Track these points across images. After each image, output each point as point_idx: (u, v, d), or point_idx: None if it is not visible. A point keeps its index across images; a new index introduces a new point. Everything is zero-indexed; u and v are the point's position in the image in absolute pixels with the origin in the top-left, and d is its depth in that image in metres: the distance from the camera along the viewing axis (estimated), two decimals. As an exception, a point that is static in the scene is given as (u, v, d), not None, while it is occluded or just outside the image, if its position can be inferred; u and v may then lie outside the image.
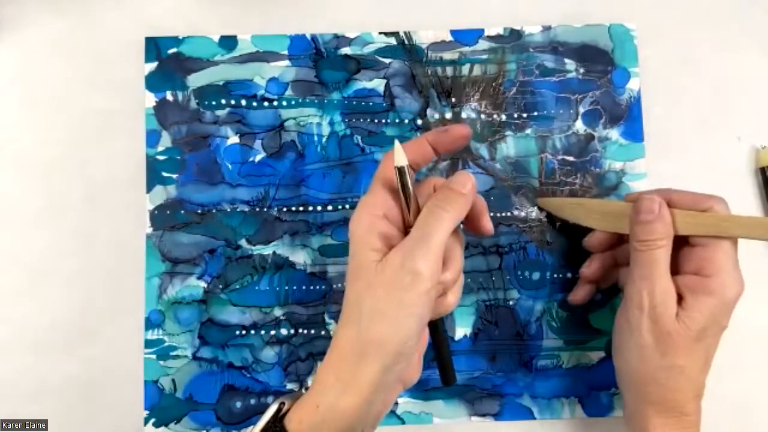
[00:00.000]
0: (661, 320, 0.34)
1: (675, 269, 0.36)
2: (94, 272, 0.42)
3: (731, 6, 0.45)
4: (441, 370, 0.37)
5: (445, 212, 0.31)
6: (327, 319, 0.42)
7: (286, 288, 0.42)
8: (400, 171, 0.31)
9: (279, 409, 0.32)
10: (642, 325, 0.35)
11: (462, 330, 0.42)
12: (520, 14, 0.45)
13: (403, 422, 0.41)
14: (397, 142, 0.32)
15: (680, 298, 0.35)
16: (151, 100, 0.43)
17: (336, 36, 0.44)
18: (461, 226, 0.35)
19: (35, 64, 0.44)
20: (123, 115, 0.43)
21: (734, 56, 0.45)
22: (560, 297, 0.42)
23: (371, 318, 0.30)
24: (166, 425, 0.41)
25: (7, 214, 0.43)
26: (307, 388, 0.33)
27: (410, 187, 0.32)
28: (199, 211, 0.43)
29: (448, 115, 0.44)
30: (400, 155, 0.31)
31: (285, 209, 0.43)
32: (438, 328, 0.36)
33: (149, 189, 0.42)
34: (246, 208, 0.43)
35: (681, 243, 0.36)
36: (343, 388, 0.30)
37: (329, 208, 0.43)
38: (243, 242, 0.42)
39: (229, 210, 0.43)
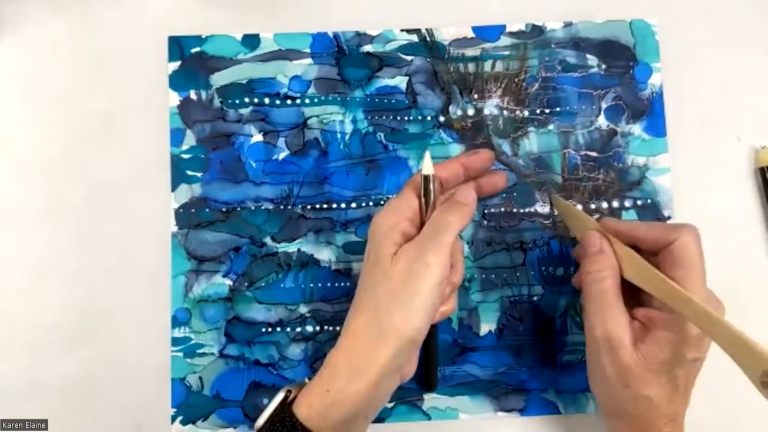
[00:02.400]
0: (617, 353, 0.34)
1: (640, 301, 0.36)
2: (120, 271, 0.42)
3: (731, 6, 0.45)
4: (426, 375, 0.40)
5: (452, 217, 0.34)
6: (352, 316, 0.42)
7: (311, 285, 0.42)
8: (426, 179, 0.35)
9: (286, 397, 0.33)
10: (601, 357, 0.34)
11: (487, 326, 0.42)
12: (542, 10, 0.45)
13: (430, 418, 0.41)
14: (427, 153, 0.35)
15: (645, 331, 0.34)
16: (174, 99, 0.43)
17: (358, 33, 0.44)
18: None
19: (35, 64, 0.44)
20: (124, 115, 0.44)
21: (734, 56, 0.45)
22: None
23: (388, 305, 0.32)
24: (194, 423, 0.41)
25: (7, 214, 0.43)
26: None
27: (432, 195, 0.35)
28: (224, 209, 0.43)
29: (471, 112, 0.44)
30: (428, 164, 0.35)
31: (309, 207, 0.43)
32: (431, 333, 0.38)
33: (174, 188, 0.43)
34: (270, 206, 0.43)
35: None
36: (354, 373, 0.32)
37: (353, 205, 0.43)
38: (268, 240, 0.42)
39: (253, 208, 0.43)
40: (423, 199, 0.35)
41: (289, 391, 0.33)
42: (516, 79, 0.44)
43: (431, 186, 0.35)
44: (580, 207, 0.43)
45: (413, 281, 0.32)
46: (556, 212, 0.43)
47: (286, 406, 0.32)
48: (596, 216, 0.43)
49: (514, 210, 0.43)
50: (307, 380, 0.34)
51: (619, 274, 0.35)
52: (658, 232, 0.35)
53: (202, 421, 0.41)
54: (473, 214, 0.36)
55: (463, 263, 0.38)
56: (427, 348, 0.39)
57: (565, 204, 0.41)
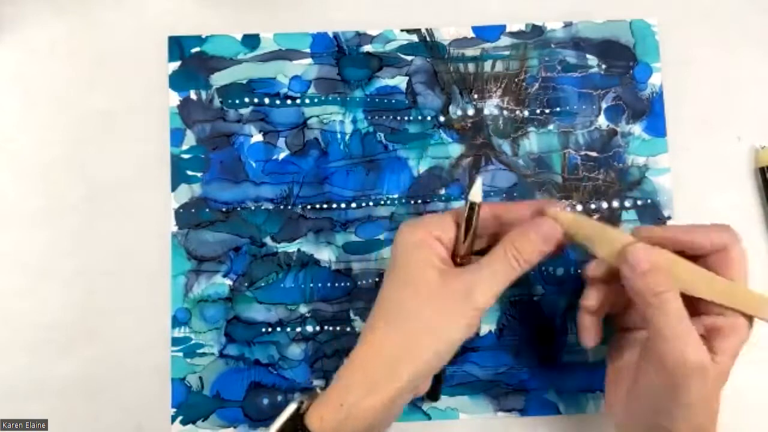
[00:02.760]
0: (705, 379, 0.30)
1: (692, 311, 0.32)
2: (120, 271, 0.42)
3: (731, 6, 0.45)
4: (434, 386, 0.39)
5: (519, 265, 0.32)
6: (352, 316, 0.42)
7: (311, 285, 0.42)
8: (471, 206, 0.34)
9: (298, 408, 0.32)
10: (681, 389, 0.30)
11: (487, 326, 0.42)
12: (542, 10, 0.45)
13: (430, 418, 0.41)
14: (479, 179, 0.34)
15: (708, 343, 0.31)
16: (174, 99, 0.43)
17: (358, 33, 0.44)
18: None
19: (35, 64, 0.44)
20: (124, 115, 0.44)
21: (734, 56, 0.45)
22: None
23: (421, 328, 0.31)
24: (194, 423, 0.41)
25: (7, 214, 0.43)
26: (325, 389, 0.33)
27: (474, 224, 0.34)
28: (224, 209, 0.43)
29: (471, 112, 0.44)
30: (477, 191, 0.34)
31: (309, 207, 0.43)
32: None
33: (174, 188, 0.43)
34: (270, 206, 0.43)
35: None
36: (372, 387, 0.31)
37: (353, 205, 0.43)
38: (268, 240, 0.42)
39: (253, 208, 0.43)
40: (463, 227, 0.34)
41: (302, 402, 0.32)
42: (516, 79, 0.44)
43: (474, 215, 0.34)
44: (580, 207, 0.43)
45: (453, 314, 0.31)
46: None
47: (298, 417, 0.32)
48: (596, 216, 0.43)
49: (514, 210, 0.43)
50: (318, 390, 0.33)
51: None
52: (708, 236, 0.32)
53: (202, 421, 0.41)
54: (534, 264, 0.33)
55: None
56: None
57: (579, 220, 0.34)
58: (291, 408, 0.32)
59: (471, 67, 0.44)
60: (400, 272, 0.33)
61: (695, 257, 0.32)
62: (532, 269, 0.34)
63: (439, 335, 0.31)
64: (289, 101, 0.44)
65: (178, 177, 0.43)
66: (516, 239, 0.33)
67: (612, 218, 0.43)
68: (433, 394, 0.40)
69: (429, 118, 0.44)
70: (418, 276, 0.32)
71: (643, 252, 0.31)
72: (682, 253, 0.33)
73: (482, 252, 0.34)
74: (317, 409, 0.31)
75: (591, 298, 0.35)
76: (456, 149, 0.43)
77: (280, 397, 0.41)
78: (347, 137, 0.43)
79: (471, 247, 0.34)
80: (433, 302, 0.31)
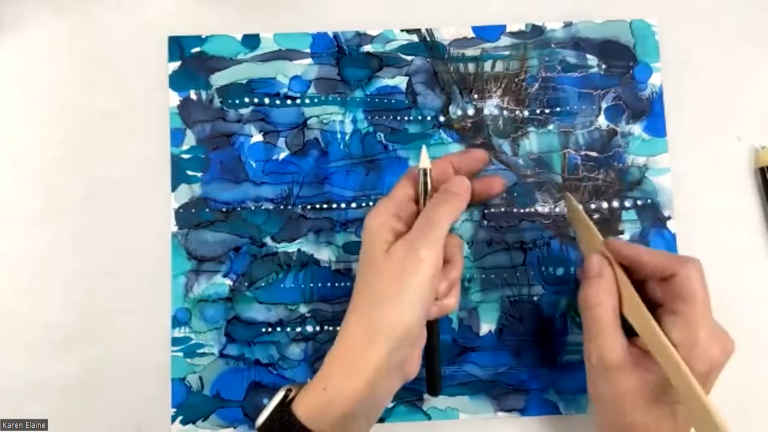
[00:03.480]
0: (614, 379, 0.33)
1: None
2: (120, 271, 0.42)
3: (731, 6, 0.45)
4: (429, 378, 0.39)
5: (443, 209, 0.34)
6: (352, 316, 0.42)
7: (311, 285, 0.42)
8: (424, 172, 0.35)
9: (285, 396, 0.33)
10: (598, 384, 0.34)
11: (487, 326, 0.42)
12: (542, 10, 0.45)
13: (430, 418, 0.41)
14: (424, 147, 0.36)
15: (645, 358, 0.33)
16: (174, 99, 0.43)
17: (358, 34, 0.44)
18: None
19: (35, 64, 0.44)
20: (124, 115, 0.44)
21: (734, 56, 0.45)
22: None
23: (379, 303, 0.32)
24: (194, 422, 0.41)
25: (7, 214, 0.43)
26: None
27: (429, 188, 0.36)
28: (224, 210, 0.43)
29: (471, 112, 0.44)
30: (425, 158, 0.36)
31: (309, 207, 0.43)
32: (433, 331, 0.37)
33: (174, 188, 0.43)
34: (270, 206, 0.43)
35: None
36: (349, 370, 0.32)
37: (353, 205, 0.43)
38: (268, 240, 0.42)
39: (253, 208, 0.43)
40: (421, 195, 0.35)
41: (289, 390, 0.33)
42: (516, 79, 0.44)
43: (428, 180, 0.35)
44: (580, 207, 0.43)
45: (404, 277, 0.32)
46: (566, 211, 0.42)
47: (285, 404, 0.32)
48: (596, 216, 0.43)
49: (514, 210, 0.43)
50: (309, 381, 0.34)
51: (618, 300, 0.34)
52: (662, 262, 0.34)
53: (202, 421, 0.41)
54: (465, 205, 0.35)
55: (463, 259, 0.37)
56: (428, 349, 0.38)
57: (577, 209, 0.39)
58: (278, 396, 0.33)
59: (471, 67, 0.44)
60: (365, 257, 0.34)
61: (656, 280, 0.35)
62: (464, 206, 0.35)
63: (398, 302, 0.32)
64: (289, 101, 0.44)
65: (178, 177, 0.43)
66: (438, 194, 0.35)
67: (612, 218, 0.43)
68: (430, 388, 0.39)
69: (429, 118, 0.44)
70: (374, 255, 0.33)
71: (596, 261, 0.35)
72: (632, 275, 0.35)
73: None
74: (304, 395, 0.32)
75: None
76: (456, 149, 0.43)
77: (280, 397, 0.41)
78: (347, 137, 0.43)
79: None
80: (385, 274, 0.32)
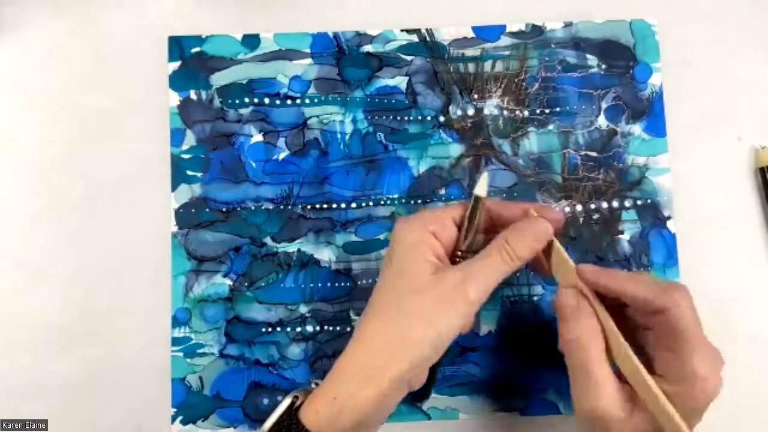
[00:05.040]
0: (608, 429, 0.30)
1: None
2: (120, 272, 0.42)
3: (731, 6, 0.45)
4: (426, 384, 0.37)
5: (512, 261, 0.33)
6: (352, 316, 0.42)
7: (311, 285, 0.42)
8: (476, 199, 0.34)
9: (293, 403, 0.32)
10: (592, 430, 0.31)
11: (487, 326, 0.42)
12: (542, 10, 0.45)
13: (430, 418, 0.41)
14: (485, 173, 0.35)
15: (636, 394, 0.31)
16: (174, 99, 0.43)
17: (358, 33, 0.44)
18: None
19: (35, 64, 0.44)
20: (124, 115, 0.44)
21: (734, 56, 0.45)
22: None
23: (415, 319, 0.31)
24: (194, 422, 0.41)
25: (7, 214, 0.43)
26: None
27: (477, 218, 0.34)
28: (224, 209, 0.43)
29: (471, 112, 0.44)
30: (482, 185, 0.34)
31: (309, 207, 0.43)
32: None
33: (174, 188, 0.43)
34: (270, 206, 0.43)
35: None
36: (364, 379, 0.31)
37: (353, 205, 0.43)
38: (268, 240, 0.42)
39: (253, 208, 0.43)
40: (466, 221, 0.34)
41: (296, 397, 0.33)
42: (516, 79, 0.44)
43: (479, 208, 0.34)
44: (580, 207, 0.43)
45: (446, 306, 0.31)
46: (567, 211, 0.42)
47: (292, 412, 0.32)
48: (596, 216, 0.43)
49: (514, 210, 0.43)
50: (313, 385, 0.33)
51: (602, 336, 0.31)
52: (648, 295, 0.31)
53: (202, 421, 0.41)
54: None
55: None
56: None
57: (557, 246, 0.34)
58: (285, 403, 0.33)
59: (471, 67, 0.44)
60: (396, 266, 0.33)
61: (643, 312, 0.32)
62: (523, 267, 0.34)
63: (432, 327, 0.31)
64: (289, 101, 0.44)
65: (178, 177, 0.43)
66: (509, 236, 0.33)
67: (612, 218, 0.43)
68: (424, 392, 0.40)
69: (429, 118, 0.44)
70: (413, 270, 0.32)
71: (571, 297, 0.32)
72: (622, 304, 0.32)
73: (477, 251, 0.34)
74: (312, 403, 0.32)
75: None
76: (456, 149, 0.43)
77: (280, 397, 0.41)
78: (347, 137, 0.43)
79: (472, 241, 0.35)
80: (427, 295, 0.32)
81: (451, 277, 0.32)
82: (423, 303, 0.31)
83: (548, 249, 0.34)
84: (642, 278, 0.32)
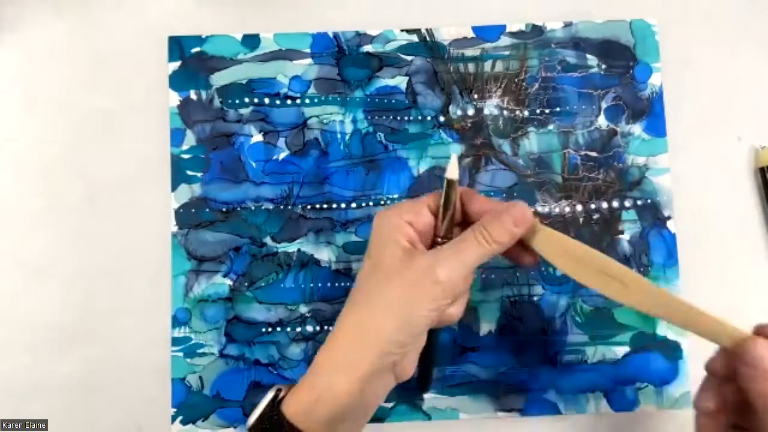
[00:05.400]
0: None
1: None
2: (120, 272, 0.42)
3: (731, 6, 0.45)
4: (421, 375, 0.38)
5: (488, 245, 0.32)
6: (352, 316, 0.42)
7: (311, 285, 0.42)
8: (449, 183, 0.33)
9: (275, 396, 0.33)
10: None
11: (487, 326, 0.42)
12: (542, 10, 0.45)
13: (430, 418, 0.41)
14: (454, 155, 0.33)
15: None
16: (174, 99, 0.43)
17: (358, 34, 0.44)
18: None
19: (35, 64, 0.44)
20: (124, 115, 0.44)
21: (734, 56, 0.45)
22: (584, 292, 0.42)
23: (382, 308, 0.31)
24: (194, 422, 0.41)
25: (7, 214, 0.43)
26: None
27: (453, 202, 0.33)
28: (224, 210, 0.43)
29: (471, 112, 0.44)
30: (453, 168, 0.33)
31: (309, 207, 0.43)
32: (433, 335, 0.36)
33: (174, 188, 0.43)
34: (270, 206, 0.43)
35: None
36: (338, 370, 0.31)
37: (353, 205, 0.43)
38: (268, 240, 0.42)
39: (253, 208, 0.43)
40: (442, 207, 0.33)
41: (279, 390, 0.33)
42: (516, 79, 0.44)
43: (452, 192, 0.33)
44: (580, 207, 0.43)
45: (415, 292, 0.31)
46: (568, 211, 0.41)
47: (275, 404, 0.32)
48: (596, 216, 0.43)
49: (514, 210, 0.43)
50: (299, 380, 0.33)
51: None
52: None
53: (202, 421, 0.41)
54: (515, 242, 0.32)
55: (468, 293, 0.34)
56: (426, 350, 0.36)
57: (559, 238, 0.33)
58: (268, 396, 0.33)
59: (471, 67, 0.44)
60: (372, 257, 0.33)
61: None
62: (500, 253, 0.33)
63: (401, 311, 0.31)
64: (289, 101, 0.44)
65: (178, 177, 0.43)
66: (486, 221, 0.32)
67: (612, 218, 0.43)
68: (420, 384, 0.39)
69: (429, 118, 0.44)
70: (385, 257, 0.32)
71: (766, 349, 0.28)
72: None
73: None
74: (293, 395, 0.32)
75: (708, 399, 0.30)
76: (456, 149, 0.43)
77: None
78: (347, 137, 0.43)
79: (450, 227, 0.34)
80: (395, 279, 0.31)
81: (420, 261, 0.31)
82: (391, 290, 0.31)
83: (530, 236, 0.33)
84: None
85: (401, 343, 0.31)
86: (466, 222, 0.35)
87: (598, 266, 0.32)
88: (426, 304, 0.31)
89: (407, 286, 0.31)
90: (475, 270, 0.33)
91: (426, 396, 0.41)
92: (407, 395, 0.41)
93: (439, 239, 0.34)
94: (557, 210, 0.43)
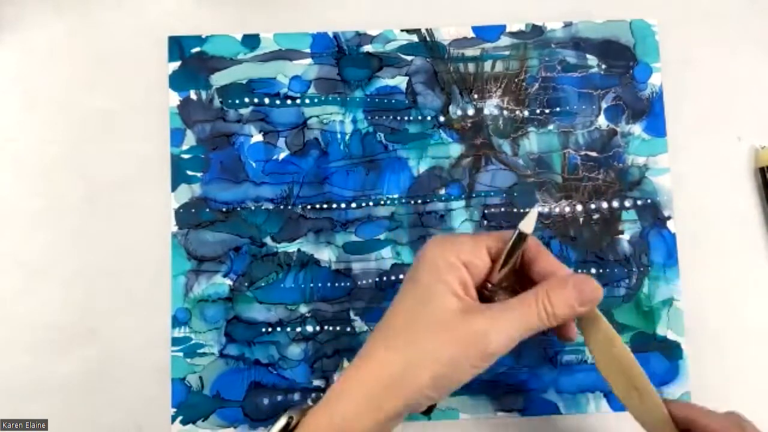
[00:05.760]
0: None
1: None
2: (120, 272, 0.42)
3: (731, 6, 0.45)
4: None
5: (547, 318, 0.30)
6: (352, 316, 0.42)
7: (311, 285, 0.42)
8: (521, 236, 0.31)
9: (288, 423, 0.31)
10: None
11: (487, 326, 0.42)
12: (542, 10, 0.45)
13: (430, 418, 0.41)
14: (535, 210, 0.32)
15: None
16: (174, 99, 0.43)
17: (358, 33, 0.44)
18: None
19: (35, 64, 0.44)
20: (124, 115, 0.44)
21: (734, 56, 0.45)
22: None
23: (424, 358, 0.29)
24: (194, 423, 0.41)
25: (7, 214, 0.43)
26: (325, 389, 0.32)
27: (517, 255, 0.32)
28: (224, 210, 0.43)
29: (471, 112, 0.44)
30: (530, 222, 0.31)
31: (309, 207, 0.43)
32: None
33: (174, 188, 0.43)
34: (270, 206, 0.43)
35: None
36: (365, 406, 0.30)
37: (353, 205, 0.43)
38: (268, 240, 0.42)
39: (253, 208, 0.43)
40: (504, 255, 0.31)
41: (291, 418, 0.31)
42: (516, 79, 0.44)
43: (521, 245, 0.31)
44: (580, 207, 0.43)
45: (461, 356, 0.29)
46: (568, 211, 0.41)
47: None
48: (596, 216, 0.43)
49: (514, 210, 0.43)
50: (310, 402, 0.32)
51: None
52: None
53: (202, 421, 0.41)
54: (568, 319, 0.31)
55: None
56: None
57: (617, 350, 0.33)
58: (280, 424, 0.31)
59: (471, 67, 0.44)
60: (419, 290, 0.31)
61: None
62: (555, 329, 0.32)
63: (443, 369, 0.29)
64: (289, 101, 0.44)
65: (178, 177, 0.43)
66: (552, 289, 0.30)
67: (612, 218, 0.43)
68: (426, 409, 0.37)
69: (429, 118, 0.44)
70: (436, 300, 0.30)
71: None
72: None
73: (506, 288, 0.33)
74: (307, 424, 0.30)
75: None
76: (456, 149, 0.43)
77: (280, 397, 0.41)
78: (347, 137, 0.43)
79: (506, 278, 0.32)
80: (444, 333, 0.29)
81: (474, 321, 0.29)
82: (438, 342, 0.29)
83: (588, 318, 0.32)
84: (706, 412, 0.32)
85: (434, 396, 0.30)
86: (520, 270, 0.33)
87: (630, 378, 0.32)
88: (468, 370, 0.30)
89: (456, 346, 0.29)
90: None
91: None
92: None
93: (490, 285, 0.32)
94: (557, 210, 0.43)
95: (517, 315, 0.30)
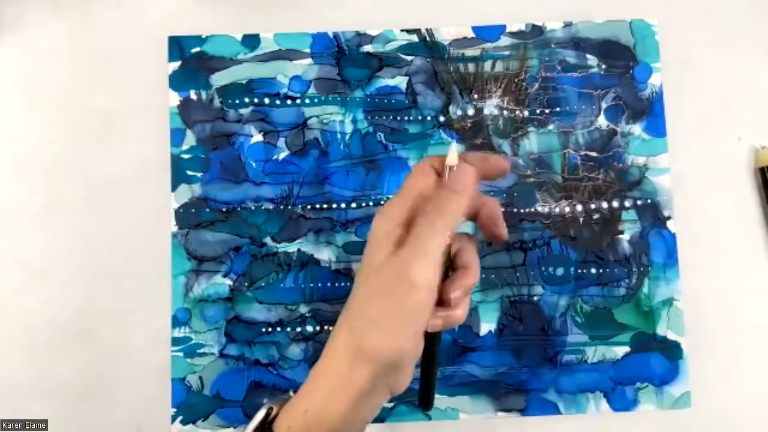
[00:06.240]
0: None
1: None
2: (120, 272, 0.42)
3: (731, 6, 0.45)
4: (423, 392, 0.36)
5: (438, 216, 0.29)
6: (352, 316, 0.42)
7: (311, 285, 0.42)
8: (450, 170, 0.30)
9: (267, 414, 0.31)
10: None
11: (487, 326, 0.42)
12: (542, 10, 0.45)
13: (430, 418, 0.41)
14: (454, 143, 0.31)
15: None
16: (174, 99, 0.43)
17: (358, 34, 0.44)
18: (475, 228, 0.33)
19: (35, 64, 0.44)
20: (124, 115, 0.44)
21: (734, 56, 0.45)
22: (584, 292, 0.42)
23: (368, 325, 0.29)
24: (194, 422, 0.41)
25: (7, 214, 0.43)
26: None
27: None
28: (224, 209, 0.43)
29: (471, 112, 0.44)
30: (453, 155, 0.30)
31: (309, 207, 0.43)
32: (433, 343, 0.33)
33: (174, 188, 0.43)
34: (270, 206, 0.43)
35: None
36: (332, 392, 0.29)
37: (353, 205, 0.43)
38: (268, 240, 0.42)
39: (253, 208, 0.43)
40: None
41: (271, 408, 0.31)
42: (516, 79, 0.44)
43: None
44: (580, 207, 0.43)
45: (395, 301, 0.28)
46: (568, 211, 0.42)
47: (266, 424, 0.31)
48: (596, 216, 0.43)
49: (514, 210, 0.43)
50: (292, 393, 0.32)
51: None
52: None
53: (202, 420, 0.41)
54: (467, 203, 0.30)
55: (478, 261, 0.32)
56: (424, 361, 0.34)
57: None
58: (260, 415, 0.31)
59: (471, 67, 0.44)
60: (365, 266, 0.30)
61: None
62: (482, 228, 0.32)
63: (387, 328, 0.29)
64: (289, 101, 0.44)
65: (178, 177, 0.43)
66: (433, 196, 0.30)
67: (612, 218, 0.43)
68: (422, 403, 0.36)
69: (429, 118, 0.44)
70: (372, 270, 0.29)
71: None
72: None
73: None
74: (285, 415, 0.30)
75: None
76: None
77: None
78: (347, 137, 0.43)
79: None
80: (375, 293, 0.29)
81: (389, 269, 0.28)
82: (373, 304, 0.29)
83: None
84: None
85: (394, 362, 0.29)
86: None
87: None
88: (410, 313, 0.29)
89: (386, 298, 0.28)
90: (474, 238, 0.32)
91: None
92: (410, 395, 0.41)
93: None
94: (557, 210, 0.43)
95: (420, 239, 0.29)
